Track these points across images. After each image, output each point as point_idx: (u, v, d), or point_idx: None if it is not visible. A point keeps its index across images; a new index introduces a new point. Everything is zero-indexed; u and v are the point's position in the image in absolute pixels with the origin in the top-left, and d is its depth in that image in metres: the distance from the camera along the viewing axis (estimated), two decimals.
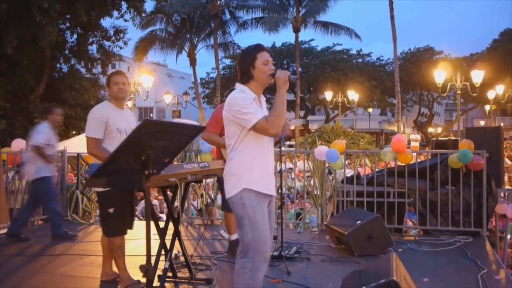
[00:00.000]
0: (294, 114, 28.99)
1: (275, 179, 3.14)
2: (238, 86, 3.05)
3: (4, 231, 6.27)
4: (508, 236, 6.11)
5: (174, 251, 4.40)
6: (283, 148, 5.53)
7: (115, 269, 4.20)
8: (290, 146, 25.30)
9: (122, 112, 4.09)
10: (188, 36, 31.90)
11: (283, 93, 2.92)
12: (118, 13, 18.10)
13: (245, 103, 2.91)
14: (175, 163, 5.43)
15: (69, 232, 6.26)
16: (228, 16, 32.23)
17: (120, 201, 3.88)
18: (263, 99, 3.14)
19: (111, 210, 3.86)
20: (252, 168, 2.94)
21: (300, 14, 30.29)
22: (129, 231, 4.07)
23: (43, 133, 5.93)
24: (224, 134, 3.08)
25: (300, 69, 31.49)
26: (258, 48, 3.01)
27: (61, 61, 19.67)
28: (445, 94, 23.01)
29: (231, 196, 2.97)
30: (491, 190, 6.18)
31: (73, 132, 19.14)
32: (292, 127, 28.47)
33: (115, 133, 3.92)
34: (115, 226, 3.92)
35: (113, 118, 3.94)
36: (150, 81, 19.57)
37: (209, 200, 7.85)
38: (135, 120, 4.26)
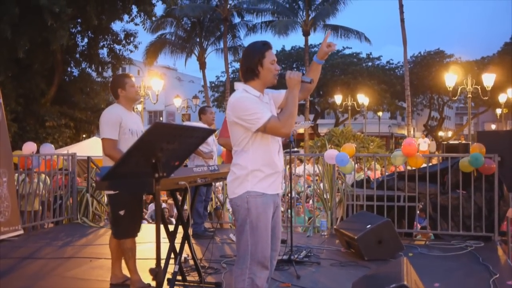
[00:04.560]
0: (303, 118, 28.93)
1: (282, 179, 3.01)
2: (239, 85, 2.92)
3: (15, 233, 6.30)
4: None
5: (184, 255, 4.40)
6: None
7: (125, 272, 4.21)
8: (296, 151, 25.09)
9: (132, 114, 4.14)
10: (198, 39, 32.06)
11: (295, 94, 2.84)
12: (129, 17, 18.19)
13: (250, 103, 2.79)
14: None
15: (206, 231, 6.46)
16: (237, 20, 32.40)
17: (130, 203, 3.90)
18: (266, 94, 3.00)
19: (122, 213, 3.88)
20: (257, 170, 2.84)
21: (310, 17, 30.32)
22: (139, 234, 4.08)
23: None
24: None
25: None
26: (266, 46, 2.89)
27: (72, 64, 19.78)
28: (455, 98, 22.87)
29: (235, 197, 2.87)
30: (502, 195, 6.14)
31: (84, 136, 19.23)
32: (301, 130, 28.49)
33: (128, 134, 3.94)
34: (126, 228, 3.95)
35: (125, 119, 3.97)
36: (160, 84, 19.69)
37: (218, 204, 7.85)
38: (142, 124, 4.31)
